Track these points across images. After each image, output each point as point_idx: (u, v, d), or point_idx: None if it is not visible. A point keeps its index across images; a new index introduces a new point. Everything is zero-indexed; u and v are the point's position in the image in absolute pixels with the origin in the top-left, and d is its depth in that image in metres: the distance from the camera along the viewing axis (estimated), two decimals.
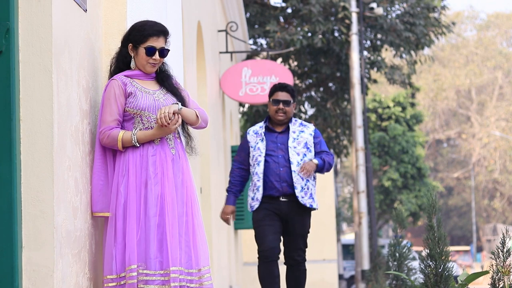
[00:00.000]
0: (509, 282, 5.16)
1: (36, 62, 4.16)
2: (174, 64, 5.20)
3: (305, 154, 6.86)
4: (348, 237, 39.52)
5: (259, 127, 7.04)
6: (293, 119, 7.04)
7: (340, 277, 27.29)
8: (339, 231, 29.78)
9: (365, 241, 17.76)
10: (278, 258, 6.74)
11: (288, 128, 6.96)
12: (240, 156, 7.05)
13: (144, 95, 4.77)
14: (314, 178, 6.91)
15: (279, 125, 6.99)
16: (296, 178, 6.76)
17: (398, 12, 19.38)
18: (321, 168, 6.88)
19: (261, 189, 6.77)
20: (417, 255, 7.26)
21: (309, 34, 18.01)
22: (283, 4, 18.86)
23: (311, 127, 7.02)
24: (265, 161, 6.82)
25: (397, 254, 8.79)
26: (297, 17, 18.39)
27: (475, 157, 50.07)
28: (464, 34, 53.48)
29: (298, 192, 6.74)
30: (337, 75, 19.80)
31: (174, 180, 4.75)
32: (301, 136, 6.90)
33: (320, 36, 17.84)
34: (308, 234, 6.92)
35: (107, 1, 5.14)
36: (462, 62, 50.78)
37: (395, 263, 8.79)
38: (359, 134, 18.20)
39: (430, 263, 5.63)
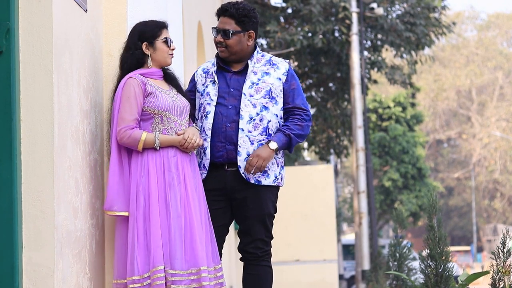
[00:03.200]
0: (509, 283, 5.16)
1: (37, 62, 4.16)
2: (175, 64, 5.19)
3: (265, 107, 4.93)
4: (349, 237, 39.52)
5: (211, 64, 5.08)
6: (257, 54, 5.04)
7: (341, 277, 27.28)
8: (339, 231, 29.79)
9: (365, 241, 17.78)
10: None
11: (247, 67, 5.00)
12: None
13: (163, 95, 4.76)
14: None
15: (236, 63, 5.02)
16: (242, 140, 4.86)
17: (399, 12, 19.40)
18: (287, 147, 4.99)
19: (208, 152, 4.91)
20: (417, 255, 7.20)
21: (310, 34, 18.02)
22: (284, 4, 18.87)
23: (283, 66, 5.01)
24: (215, 112, 4.93)
25: (397, 254, 8.79)
26: (297, 17, 18.39)
27: (476, 158, 50.06)
28: (464, 34, 53.47)
29: (241, 161, 4.87)
30: (337, 75, 19.82)
31: (194, 181, 4.77)
32: (264, 81, 4.94)
33: (321, 36, 17.85)
34: (273, 219, 5.02)
35: (108, 1, 5.14)
36: (463, 62, 50.77)
37: (396, 263, 8.79)
38: (360, 134, 18.21)
39: (431, 263, 5.63)
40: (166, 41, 4.81)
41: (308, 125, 5.00)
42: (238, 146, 4.87)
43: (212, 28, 5.04)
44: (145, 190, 4.63)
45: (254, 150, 4.88)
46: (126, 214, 4.66)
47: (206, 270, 4.61)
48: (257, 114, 4.90)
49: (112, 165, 4.68)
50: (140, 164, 4.68)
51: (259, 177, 4.90)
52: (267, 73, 4.97)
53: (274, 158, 4.94)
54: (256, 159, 4.83)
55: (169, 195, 4.65)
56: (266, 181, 4.92)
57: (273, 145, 4.86)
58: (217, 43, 4.97)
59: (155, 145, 4.67)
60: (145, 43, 4.78)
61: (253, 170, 4.84)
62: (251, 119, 4.89)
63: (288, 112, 5.00)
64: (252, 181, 4.88)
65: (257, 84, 4.94)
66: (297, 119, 4.97)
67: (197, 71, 5.15)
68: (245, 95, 4.91)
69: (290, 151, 5.03)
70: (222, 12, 4.96)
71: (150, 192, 4.63)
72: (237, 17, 4.92)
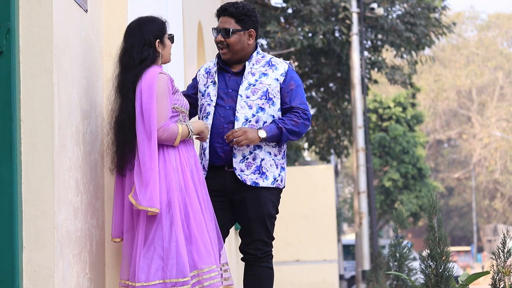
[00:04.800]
0: (509, 283, 5.16)
1: (37, 62, 4.16)
2: (175, 64, 5.19)
3: (262, 109, 4.88)
4: (349, 238, 39.50)
5: (213, 64, 5.05)
6: (257, 55, 4.98)
7: (341, 277, 27.28)
8: (339, 232, 29.78)
9: (365, 241, 17.78)
10: None
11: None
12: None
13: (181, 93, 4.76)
14: (276, 145, 4.94)
15: (236, 63, 4.97)
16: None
17: (399, 12, 19.41)
18: (277, 140, 4.90)
19: (207, 153, 4.90)
20: (417, 255, 7.19)
21: (310, 35, 18.03)
22: (284, 5, 18.87)
23: (281, 67, 4.94)
24: (213, 113, 4.92)
25: (397, 255, 8.79)
26: (297, 17, 18.40)
27: (476, 158, 50.05)
28: (464, 34, 53.46)
29: (236, 163, 4.84)
30: (337, 75, 19.83)
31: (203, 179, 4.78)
32: (261, 82, 4.89)
33: (321, 36, 17.85)
34: (274, 220, 4.97)
35: (108, 1, 5.14)
36: (463, 63, 50.76)
37: (396, 263, 8.79)
38: (360, 135, 18.21)
39: (431, 263, 5.62)
40: (170, 37, 4.73)
41: (304, 123, 4.91)
42: (234, 148, 4.83)
43: (212, 28, 5.00)
44: (182, 187, 4.53)
45: (250, 152, 4.85)
46: (157, 211, 4.44)
47: (228, 267, 4.71)
48: (253, 115, 4.85)
49: (154, 162, 4.43)
50: (172, 159, 4.55)
51: (256, 178, 4.85)
52: (265, 74, 4.91)
53: (273, 159, 4.90)
54: (240, 133, 4.76)
55: (204, 192, 4.65)
56: (264, 183, 4.87)
57: (262, 133, 4.79)
58: (218, 43, 4.92)
59: (190, 133, 4.60)
60: (158, 40, 4.65)
61: (232, 140, 4.76)
62: (246, 120, 4.84)
63: (286, 111, 4.94)
64: (248, 183, 4.84)
65: (254, 85, 4.88)
66: (294, 115, 4.89)
67: (199, 70, 5.10)
68: (241, 96, 4.86)
69: (279, 146, 4.93)
70: (222, 11, 4.92)
71: (187, 188, 4.55)
72: (237, 16, 4.87)
